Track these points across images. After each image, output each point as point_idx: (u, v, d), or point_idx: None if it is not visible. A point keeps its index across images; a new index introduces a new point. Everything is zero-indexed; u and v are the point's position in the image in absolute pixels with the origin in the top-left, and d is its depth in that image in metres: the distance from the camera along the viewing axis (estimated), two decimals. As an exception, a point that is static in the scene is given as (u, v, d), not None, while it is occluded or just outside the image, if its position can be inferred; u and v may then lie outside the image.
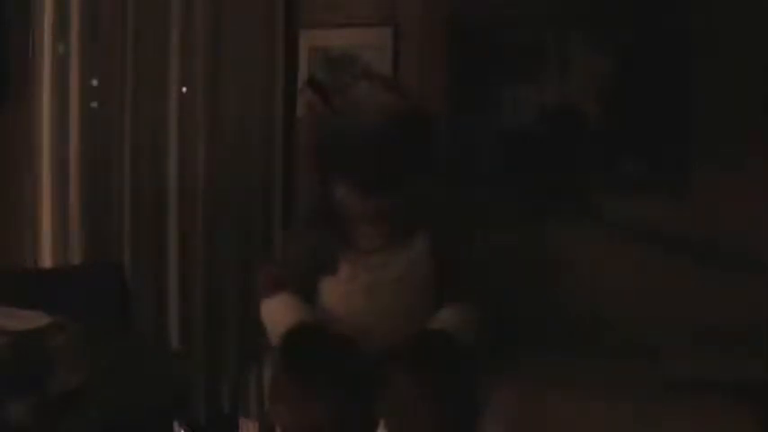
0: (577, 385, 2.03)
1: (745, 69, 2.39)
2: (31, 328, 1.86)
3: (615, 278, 2.49)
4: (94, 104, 2.58)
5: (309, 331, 2.06)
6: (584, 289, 2.52)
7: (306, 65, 2.94)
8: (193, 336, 2.79)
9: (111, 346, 2.20)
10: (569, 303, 2.52)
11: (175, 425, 2.37)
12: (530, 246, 2.59)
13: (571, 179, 2.59)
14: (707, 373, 2.05)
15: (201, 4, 2.76)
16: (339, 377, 1.99)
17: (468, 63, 2.70)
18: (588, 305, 2.50)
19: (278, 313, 2.14)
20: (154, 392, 2.19)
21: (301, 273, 2.16)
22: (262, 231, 2.95)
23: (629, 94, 2.51)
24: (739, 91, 2.40)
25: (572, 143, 2.59)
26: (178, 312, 2.76)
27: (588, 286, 2.52)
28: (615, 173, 2.54)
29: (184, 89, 2.75)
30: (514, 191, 2.66)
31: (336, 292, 2.13)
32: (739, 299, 2.35)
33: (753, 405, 1.87)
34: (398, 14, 2.81)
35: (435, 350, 2.02)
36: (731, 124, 2.41)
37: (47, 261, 2.48)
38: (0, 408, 1.73)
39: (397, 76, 2.80)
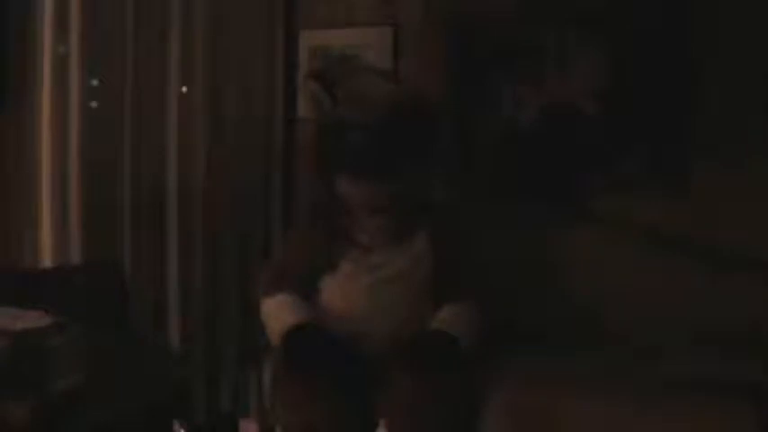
0: (577, 385, 2.02)
1: (746, 69, 2.39)
2: (31, 328, 1.86)
3: (615, 278, 2.49)
4: (94, 104, 2.58)
5: (309, 331, 2.06)
6: (585, 289, 2.52)
7: (306, 65, 2.95)
8: (193, 336, 2.79)
9: (111, 346, 2.20)
10: (569, 303, 2.52)
11: (175, 425, 2.36)
12: (530, 246, 2.59)
13: (571, 179, 2.59)
14: (707, 373, 2.04)
15: (201, 3, 2.76)
16: (339, 377, 1.99)
17: (468, 63, 2.70)
18: (588, 305, 2.50)
19: (278, 313, 2.14)
20: (154, 392, 2.19)
21: (301, 272, 2.17)
22: (262, 231, 2.95)
23: (628, 94, 2.51)
24: (739, 91, 2.40)
25: (572, 143, 2.59)
26: (178, 312, 2.76)
27: (588, 286, 2.52)
28: (615, 173, 2.54)
29: (184, 89, 2.75)
30: (514, 190, 2.66)
31: (337, 290, 2.13)
32: (739, 299, 2.34)
33: (753, 405, 1.87)
34: (398, 14, 2.81)
35: (435, 350, 2.02)
36: (731, 124, 2.41)
37: (47, 261, 2.48)
38: (0, 408, 1.73)
39: (396, 75, 2.80)
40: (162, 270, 2.74)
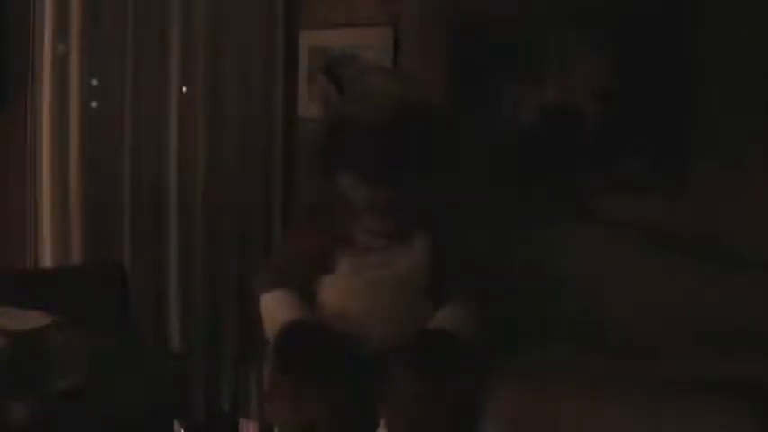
0: (577, 385, 2.02)
1: (746, 69, 2.39)
2: (31, 328, 1.86)
3: (615, 278, 2.48)
4: (94, 104, 2.58)
5: (306, 328, 2.06)
6: (585, 289, 2.52)
7: (306, 65, 2.95)
8: (193, 336, 2.79)
9: (111, 346, 2.20)
10: (569, 303, 2.51)
11: (175, 425, 2.37)
12: (530, 246, 2.59)
13: (571, 179, 2.59)
14: (707, 373, 2.04)
15: (201, 3, 2.76)
16: (338, 376, 1.99)
17: (468, 63, 2.70)
18: (588, 305, 2.50)
19: (275, 309, 2.14)
20: (154, 392, 2.19)
21: (300, 270, 2.16)
22: (262, 231, 2.95)
23: (628, 94, 2.51)
24: (739, 91, 2.40)
25: (572, 143, 2.59)
26: (178, 312, 2.76)
27: (588, 286, 2.51)
28: (615, 173, 2.54)
29: (184, 89, 2.75)
30: (514, 190, 2.66)
31: (335, 290, 2.13)
32: (739, 299, 2.34)
33: (753, 405, 1.87)
34: (398, 14, 2.81)
35: (435, 350, 2.02)
36: (731, 124, 2.41)
37: (47, 261, 2.48)
38: (0, 408, 1.73)
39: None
40: (162, 270, 2.74)
